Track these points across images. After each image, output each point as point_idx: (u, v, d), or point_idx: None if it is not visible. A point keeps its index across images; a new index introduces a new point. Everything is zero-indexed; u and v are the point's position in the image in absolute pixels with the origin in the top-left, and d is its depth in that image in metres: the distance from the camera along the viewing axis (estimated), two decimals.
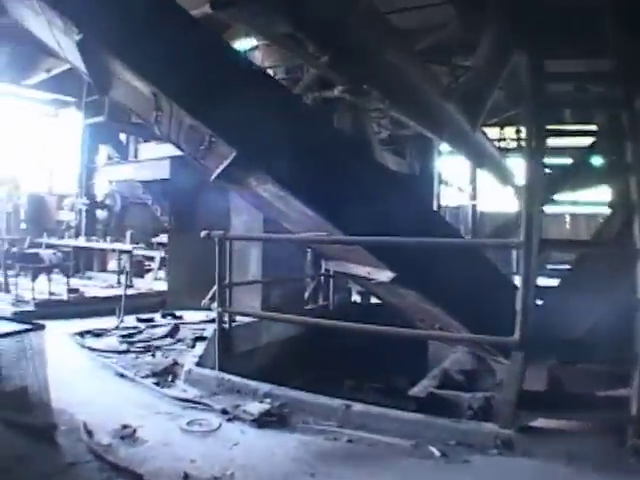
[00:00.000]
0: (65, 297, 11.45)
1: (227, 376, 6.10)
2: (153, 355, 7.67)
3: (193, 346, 7.86)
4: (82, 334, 8.82)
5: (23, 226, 18.19)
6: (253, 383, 5.90)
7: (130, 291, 13.17)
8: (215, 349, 6.64)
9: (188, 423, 5.12)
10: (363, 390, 9.74)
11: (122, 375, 6.73)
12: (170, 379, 6.50)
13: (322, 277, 11.30)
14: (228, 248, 7.08)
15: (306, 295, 11.18)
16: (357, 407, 5.23)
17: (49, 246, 15.88)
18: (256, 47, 11.64)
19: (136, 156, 16.80)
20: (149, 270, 15.46)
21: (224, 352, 6.66)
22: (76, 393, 5.99)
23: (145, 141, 16.46)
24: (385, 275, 6.79)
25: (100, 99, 14.33)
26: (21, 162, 20.21)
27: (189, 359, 6.90)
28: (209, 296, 7.11)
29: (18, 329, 4.98)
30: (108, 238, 15.84)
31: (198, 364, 6.62)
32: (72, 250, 16.36)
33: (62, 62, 12.23)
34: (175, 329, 9.03)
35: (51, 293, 11.50)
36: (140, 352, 7.84)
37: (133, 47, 6.00)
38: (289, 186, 6.57)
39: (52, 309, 10.67)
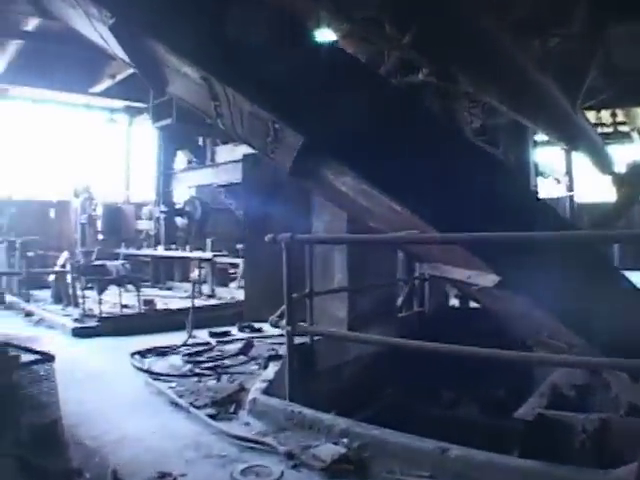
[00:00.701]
0: (135, 310, 10.77)
1: (298, 408, 5.01)
2: (218, 378, 6.67)
3: (266, 366, 6.83)
4: (144, 353, 7.93)
5: (100, 237, 17.84)
6: (328, 418, 4.79)
7: (211, 301, 12.51)
8: (286, 375, 5.57)
9: (243, 471, 4.05)
10: (462, 403, 8.64)
11: (176, 404, 5.74)
12: (232, 409, 5.48)
13: (416, 281, 10.17)
14: (308, 253, 6.32)
15: (399, 301, 10.08)
16: (455, 452, 4.01)
17: (126, 256, 15.52)
18: (335, 42, 10.69)
19: (213, 160, 16.07)
20: (234, 279, 14.59)
21: (297, 377, 5.58)
22: (116, 428, 5.11)
23: (223, 143, 15.68)
24: (489, 279, 5.58)
25: (165, 100, 13.76)
26: (94, 172, 19.89)
27: (257, 384, 5.86)
28: (278, 312, 6.09)
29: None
30: (188, 246, 15.14)
31: (266, 391, 5.57)
32: (151, 260, 16.01)
33: (125, 67, 11.72)
34: (248, 346, 8.02)
35: (123, 306, 10.82)
36: (204, 374, 6.86)
37: (168, 23, 5.24)
38: (369, 176, 5.51)
39: (119, 324, 9.95)
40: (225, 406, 5.54)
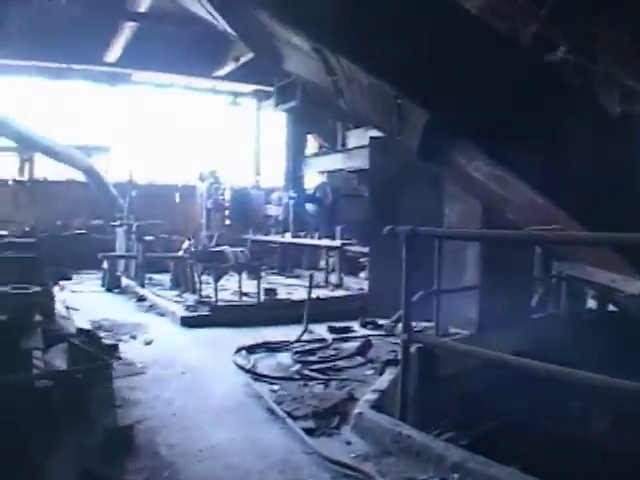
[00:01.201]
0: (254, 300, 10.22)
1: (407, 430, 4.27)
2: (326, 384, 6.00)
3: (382, 372, 6.10)
4: (252, 348, 7.38)
5: (227, 222, 17.57)
6: (439, 446, 4.02)
7: (336, 292, 11.90)
8: (398, 390, 4.83)
9: None
10: (592, 418, 7.59)
11: (273, 412, 5.14)
12: (335, 423, 4.82)
13: (553, 280, 9.11)
14: (437, 247, 5.48)
15: (534, 301, 9.06)
16: None
17: (255, 242, 15.36)
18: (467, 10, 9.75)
19: (344, 144, 15.44)
20: (365, 268, 13.93)
21: (413, 390, 4.84)
22: (198, 437, 4.60)
23: (355, 127, 15.03)
24: (636, 286, 4.65)
25: (289, 82, 13.27)
26: (221, 157, 19.57)
27: (367, 395, 5.16)
28: (395, 317, 5.34)
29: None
30: (317, 234, 14.56)
31: (376, 405, 4.85)
32: (279, 247, 15.66)
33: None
34: (367, 345, 7.32)
35: (243, 294, 10.43)
36: (312, 378, 6.23)
37: None
38: (504, 161, 4.69)
39: (233, 314, 9.51)
40: (327, 419, 4.88)
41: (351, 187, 15.70)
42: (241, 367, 6.48)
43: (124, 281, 12.91)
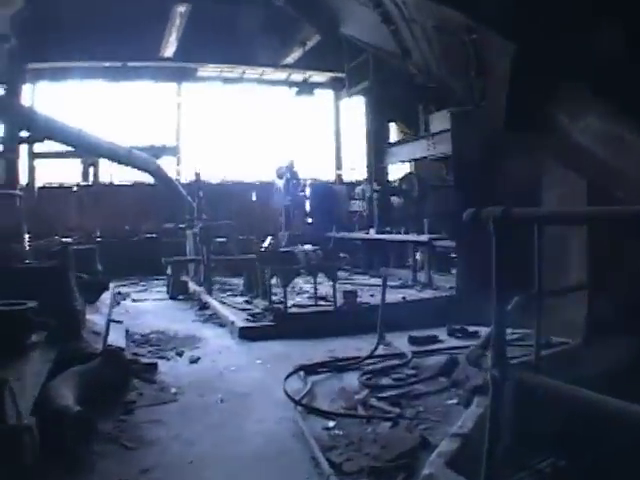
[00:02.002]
0: (329, 306, 9.00)
1: None
2: (395, 421, 4.58)
3: (468, 403, 4.57)
4: (312, 368, 6.09)
5: (308, 220, 16.81)
6: None
7: (423, 293, 10.66)
8: (485, 447, 3.36)
9: None
10: None
11: (317, 463, 3.82)
12: None
13: None
14: (537, 236, 4.00)
15: None
16: None
17: (338, 240, 14.51)
18: None
19: (427, 129, 13.97)
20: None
21: (500, 452, 3.36)
22: None
23: (437, 110, 13.53)
24: None
25: (360, 62, 11.92)
26: (298, 151, 18.25)
27: (444, 443, 3.71)
28: (481, 341, 3.91)
29: None
30: (403, 229, 13.31)
31: (453, 461, 3.42)
32: (363, 244, 14.69)
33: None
34: (452, 364, 5.88)
35: (319, 298, 9.37)
36: (379, 410, 4.86)
37: None
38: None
39: (302, 323, 8.33)
40: (389, 476, 3.53)
41: (439, 176, 14.25)
42: (290, 397, 5.14)
43: (191, 287, 11.93)
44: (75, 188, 16.45)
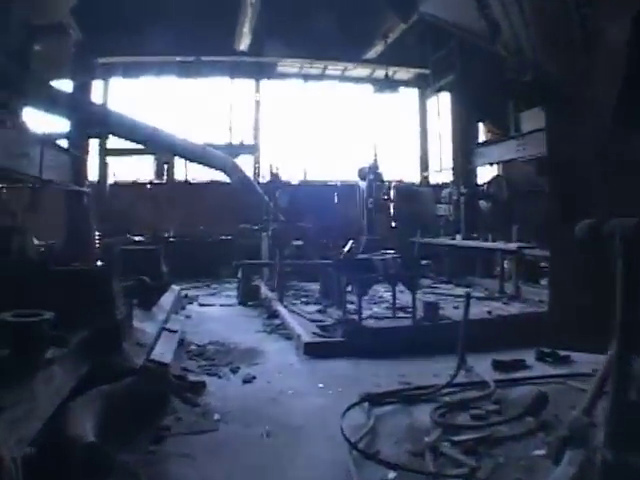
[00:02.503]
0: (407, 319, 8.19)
1: None
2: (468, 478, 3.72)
3: (557, 458, 3.60)
4: (378, 398, 5.24)
5: (392, 224, 16.01)
6: None
7: (510, 307, 9.75)
8: None
9: None
10: None
11: None
12: None
13: None
14: None
15: None
16: None
17: (423, 246, 13.69)
18: None
19: (518, 129, 12.98)
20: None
21: None
22: None
23: (527, 108, 12.45)
24: None
25: (445, 53, 10.95)
26: (382, 151, 17.35)
27: None
28: (584, 404, 2.95)
29: None
30: (491, 235, 12.38)
31: None
32: (448, 251, 13.79)
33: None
34: (540, 400, 4.93)
35: (398, 309, 8.64)
36: (448, 465, 3.95)
37: None
38: None
39: (376, 339, 7.42)
40: None
41: (529, 180, 13.15)
42: (347, 438, 4.30)
43: (263, 292, 11.27)
44: (149, 186, 16.10)
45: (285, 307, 9.60)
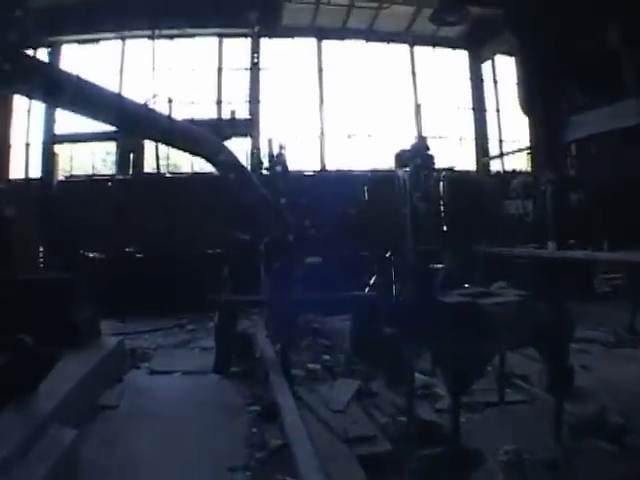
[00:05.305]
0: None
1: None
2: None
3: None
4: None
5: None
6: None
7: None
8: None
9: None
10: None
11: None
12: None
13: None
14: None
15: None
16: None
17: (490, 257, 10.51)
18: None
19: None
20: None
21: None
22: None
23: None
24: None
25: None
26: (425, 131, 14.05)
27: None
28: None
29: None
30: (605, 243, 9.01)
31: None
32: (531, 266, 10.12)
33: None
34: None
35: None
36: None
37: None
38: None
39: None
40: None
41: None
42: None
43: (260, 347, 6.96)
44: (110, 183, 12.10)
45: (294, 395, 5.19)
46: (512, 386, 5.20)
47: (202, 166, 11.80)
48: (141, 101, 9.71)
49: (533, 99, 11.75)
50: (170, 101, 10.68)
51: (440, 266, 9.86)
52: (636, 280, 8.34)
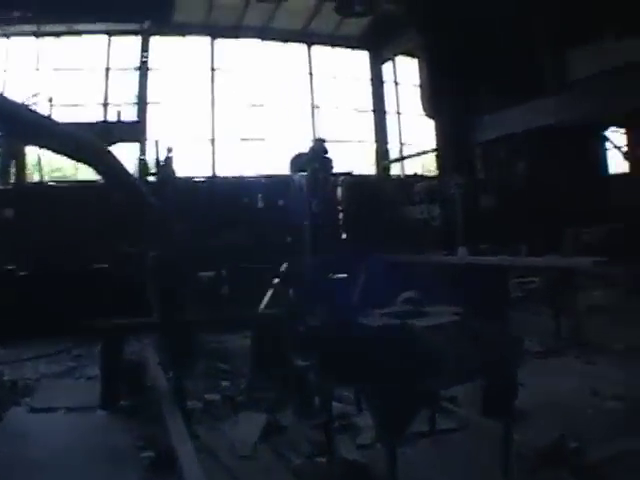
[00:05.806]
0: None
1: None
2: None
3: None
4: None
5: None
6: None
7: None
8: None
9: None
10: None
11: None
12: None
13: None
14: None
15: None
16: None
17: (392, 266, 9.38)
18: None
19: (558, 78, 10.23)
20: None
21: None
22: None
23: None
24: None
25: None
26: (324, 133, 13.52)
27: None
28: None
29: None
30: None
31: None
32: (443, 274, 9.36)
33: None
34: None
35: None
36: None
37: None
38: None
39: None
40: None
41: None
42: None
43: (153, 376, 6.21)
44: None
45: (192, 434, 4.52)
46: (440, 410, 4.74)
47: (91, 174, 10.54)
48: (20, 100, 8.98)
49: (440, 100, 11.53)
50: (50, 101, 9.98)
51: (343, 276, 9.44)
52: (555, 285, 8.16)
